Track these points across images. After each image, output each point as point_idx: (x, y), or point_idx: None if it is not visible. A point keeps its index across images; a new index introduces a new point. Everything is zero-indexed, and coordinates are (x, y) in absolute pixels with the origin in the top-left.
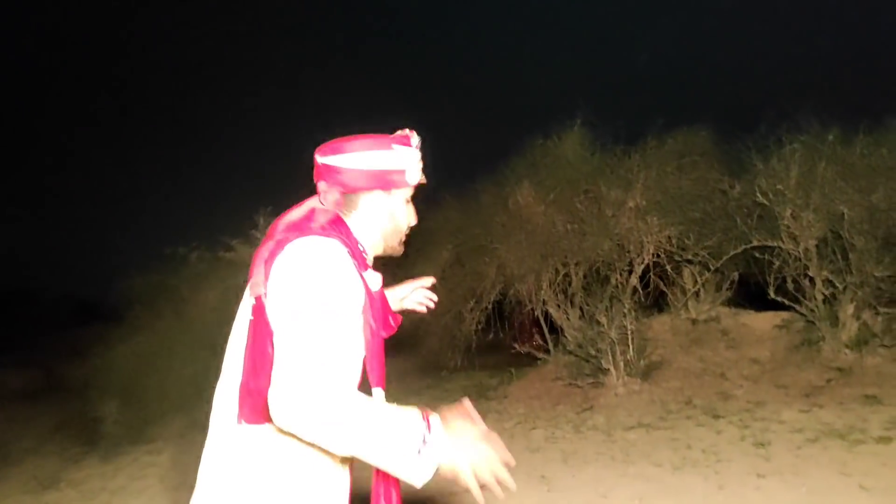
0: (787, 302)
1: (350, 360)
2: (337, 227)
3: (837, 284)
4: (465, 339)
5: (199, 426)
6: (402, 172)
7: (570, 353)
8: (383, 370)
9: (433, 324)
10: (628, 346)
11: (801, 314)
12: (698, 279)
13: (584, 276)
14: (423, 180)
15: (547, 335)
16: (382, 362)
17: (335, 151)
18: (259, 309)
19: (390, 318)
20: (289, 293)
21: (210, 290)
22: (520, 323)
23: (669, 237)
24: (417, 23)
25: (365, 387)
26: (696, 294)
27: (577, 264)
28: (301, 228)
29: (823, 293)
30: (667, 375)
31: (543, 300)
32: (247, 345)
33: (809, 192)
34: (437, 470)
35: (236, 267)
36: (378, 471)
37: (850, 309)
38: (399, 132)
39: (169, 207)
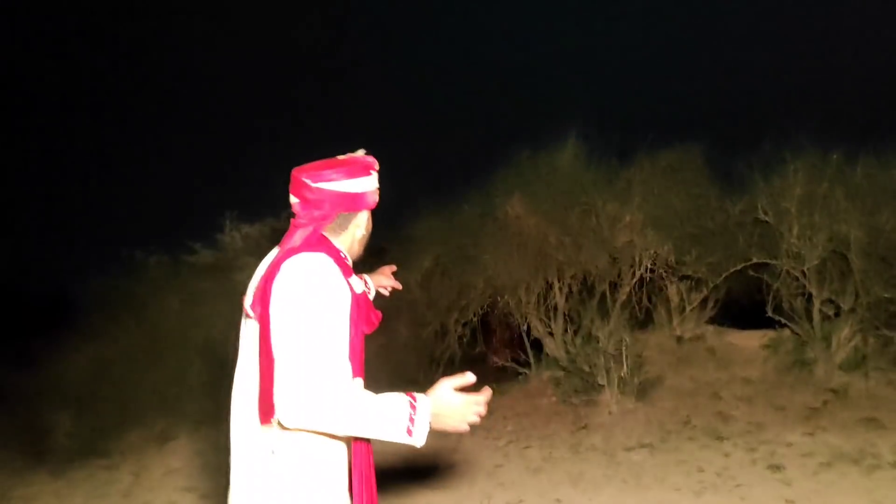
0: (783, 321)
1: (344, 357)
2: (321, 242)
3: (841, 305)
4: (448, 352)
5: (158, 438)
6: (376, 192)
7: (563, 368)
8: (363, 362)
9: (405, 335)
10: (622, 363)
11: (796, 333)
12: (685, 296)
13: (579, 290)
14: None
15: (529, 350)
16: (363, 356)
17: (330, 178)
18: (264, 324)
19: (372, 316)
20: (289, 305)
21: (172, 295)
22: (496, 336)
23: (667, 253)
24: (402, 30)
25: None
26: (681, 311)
27: (571, 277)
28: (294, 249)
29: (823, 313)
30: (660, 394)
31: (526, 314)
32: (260, 356)
33: (813, 212)
34: (428, 432)
35: (199, 271)
36: (354, 445)
37: (846, 330)
38: (364, 155)
39: (128, 210)
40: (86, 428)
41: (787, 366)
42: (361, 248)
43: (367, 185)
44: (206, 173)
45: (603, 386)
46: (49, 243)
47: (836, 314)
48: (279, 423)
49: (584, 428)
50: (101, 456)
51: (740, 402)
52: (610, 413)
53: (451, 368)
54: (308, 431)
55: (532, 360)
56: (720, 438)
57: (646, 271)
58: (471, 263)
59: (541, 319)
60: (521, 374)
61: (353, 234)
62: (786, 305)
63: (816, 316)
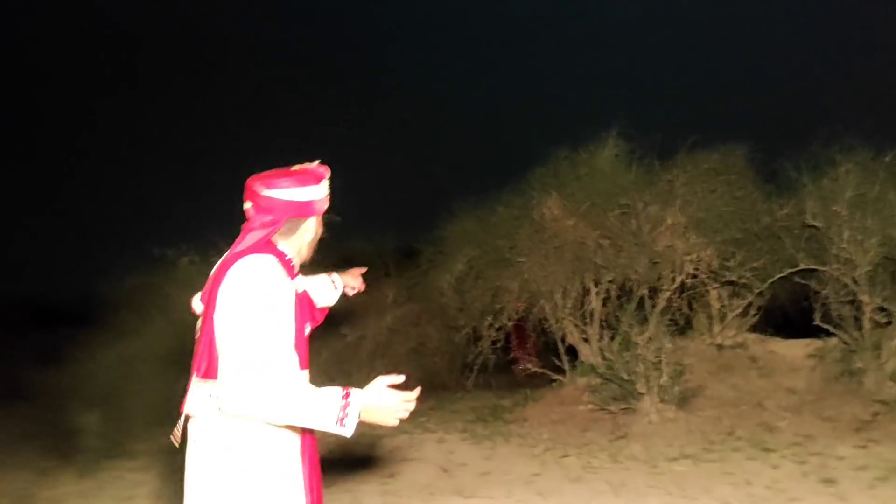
0: (830, 329)
1: (287, 349)
2: (268, 245)
3: (894, 312)
4: (481, 357)
5: (185, 439)
6: (325, 200)
7: (601, 375)
8: (307, 356)
9: (437, 339)
10: (662, 370)
11: (844, 342)
12: (726, 302)
13: (617, 295)
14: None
15: (563, 356)
16: (306, 350)
17: (279, 186)
18: (208, 319)
19: (315, 314)
20: (235, 302)
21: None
22: (529, 341)
23: (710, 257)
24: (433, 23)
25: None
26: (722, 318)
27: (609, 281)
28: (241, 252)
29: (874, 321)
30: (701, 403)
31: (562, 319)
32: (198, 347)
33: (864, 215)
34: (357, 426)
35: None
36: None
37: None
38: (317, 165)
39: (157, 208)
40: (114, 428)
41: (834, 376)
42: (311, 251)
43: (316, 193)
44: (237, 170)
45: (642, 394)
46: (80, 241)
47: (888, 322)
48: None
49: (623, 437)
50: (129, 457)
51: (786, 412)
52: (650, 422)
53: (485, 374)
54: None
55: (566, 367)
56: (767, 450)
57: (687, 276)
58: (506, 266)
59: (576, 325)
60: (554, 380)
61: (302, 238)
62: (833, 313)
63: (866, 324)
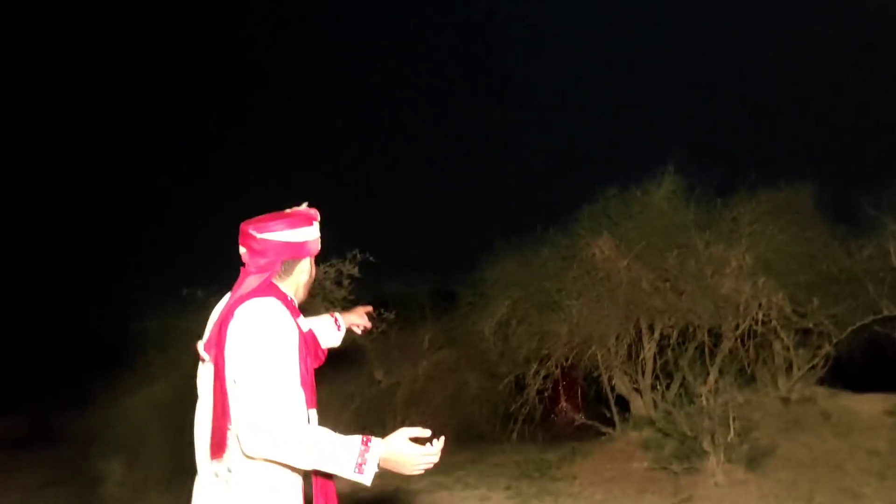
0: None
1: (297, 391)
2: (269, 288)
3: None
4: (527, 407)
5: None
6: (317, 241)
7: (660, 430)
8: (314, 395)
9: (475, 387)
10: (729, 426)
11: None
12: (793, 352)
13: (677, 342)
14: None
15: (612, 407)
16: (314, 388)
17: (273, 229)
18: (219, 365)
19: (319, 353)
20: (244, 346)
21: None
22: (573, 390)
23: (780, 301)
24: (471, 51)
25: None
26: (788, 369)
27: (670, 327)
28: (245, 296)
29: None
30: (772, 464)
31: (613, 367)
32: (213, 396)
33: None
34: (376, 474)
35: None
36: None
37: None
38: (307, 207)
39: (190, 246)
40: (139, 477)
41: None
42: (306, 292)
43: (309, 234)
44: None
45: (707, 452)
46: (110, 281)
47: None
48: (237, 453)
49: (687, 500)
50: None
51: (870, 476)
52: (716, 483)
53: (531, 425)
54: (262, 462)
55: (616, 419)
56: None
57: (756, 322)
58: (553, 310)
59: (627, 373)
60: (604, 433)
61: (298, 279)
62: None
63: None
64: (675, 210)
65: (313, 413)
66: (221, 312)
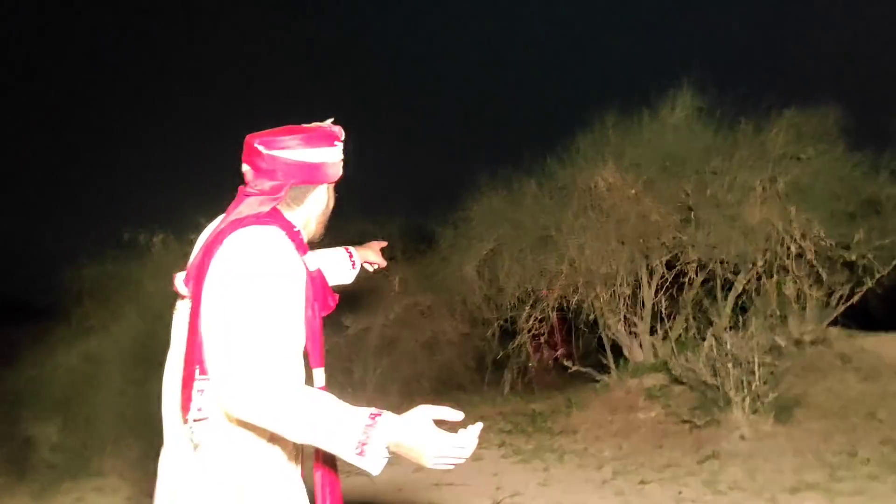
0: None
1: (295, 343)
2: (272, 214)
3: None
4: (523, 353)
5: None
6: (338, 165)
7: (676, 379)
8: (322, 350)
9: (450, 334)
10: (755, 373)
11: None
12: (807, 291)
13: (689, 281)
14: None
15: (609, 353)
16: (321, 342)
17: (285, 145)
18: (196, 302)
19: (329, 298)
20: (233, 282)
21: None
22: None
23: (819, 232)
24: None
25: (306, 367)
26: (802, 308)
27: (686, 263)
28: (239, 221)
29: None
30: (799, 414)
31: (617, 309)
32: (186, 341)
33: None
34: (386, 461)
35: None
36: (317, 460)
37: None
38: (330, 124)
39: (129, 184)
40: (76, 440)
41: None
42: (321, 228)
43: (328, 155)
44: (219, 140)
45: (731, 402)
46: (39, 223)
47: None
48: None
49: (712, 457)
50: (93, 475)
51: None
52: (742, 437)
53: (524, 374)
54: (241, 432)
55: (612, 366)
56: None
57: (788, 256)
58: (546, 249)
59: (625, 316)
60: (597, 380)
61: (310, 209)
62: None
63: None
64: (693, 133)
65: (319, 373)
66: (208, 238)
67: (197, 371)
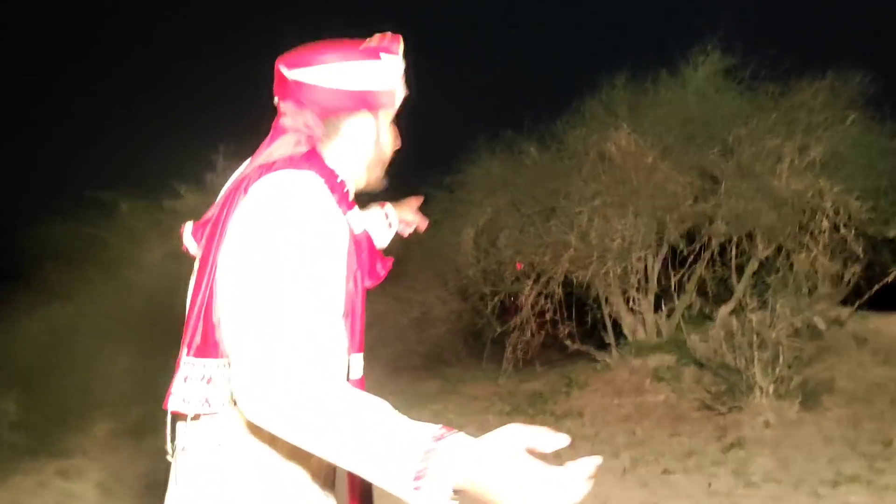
0: None
1: (333, 323)
2: (310, 157)
3: None
4: (528, 330)
5: (133, 433)
6: (393, 87)
7: (697, 362)
8: (362, 332)
9: (440, 309)
10: (780, 355)
11: None
12: (818, 270)
13: (696, 256)
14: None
15: (610, 331)
16: (363, 322)
17: (309, 63)
18: (206, 262)
19: (378, 265)
20: (254, 242)
21: (151, 247)
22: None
23: (854, 205)
24: None
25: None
26: (813, 288)
27: (709, 238)
28: (268, 166)
29: None
30: (828, 399)
31: (626, 286)
32: (191, 305)
33: None
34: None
35: (185, 219)
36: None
37: None
38: (382, 36)
39: (96, 142)
40: (38, 417)
41: None
42: (376, 173)
43: (374, 74)
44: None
45: (755, 387)
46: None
47: None
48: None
49: (736, 445)
50: (57, 456)
51: None
52: (767, 424)
53: (526, 353)
54: (249, 433)
55: (613, 345)
56: None
57: (821, 230)
58: (552, 218)
59: (624, 293)
60: (597, 360)
61: (355, 148)
62: None
63: None
64: (720, 95)
65: (358, 360)
66: (229, 186)
67: (184, 352)
